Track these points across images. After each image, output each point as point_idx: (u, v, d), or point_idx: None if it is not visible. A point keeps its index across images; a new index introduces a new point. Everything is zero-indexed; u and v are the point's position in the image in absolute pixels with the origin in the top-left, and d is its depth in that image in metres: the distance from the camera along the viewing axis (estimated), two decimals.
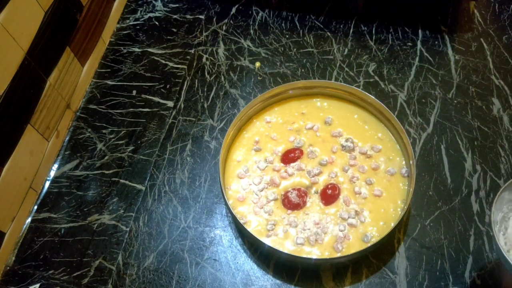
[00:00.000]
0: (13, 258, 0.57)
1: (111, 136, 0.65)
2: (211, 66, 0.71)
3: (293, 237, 0.53)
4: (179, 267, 0.55)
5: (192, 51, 0.73)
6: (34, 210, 0.60)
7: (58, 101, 0.64)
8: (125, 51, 0.73)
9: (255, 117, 0.62)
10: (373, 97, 0.59)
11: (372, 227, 0.53)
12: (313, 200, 0.55)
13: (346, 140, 0.59)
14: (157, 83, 0.70)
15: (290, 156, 0.58)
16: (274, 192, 0.56)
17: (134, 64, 0.72)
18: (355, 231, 0.53)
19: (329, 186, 0.56)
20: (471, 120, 0.64)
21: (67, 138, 0.65)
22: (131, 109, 0.67)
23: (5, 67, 0.52)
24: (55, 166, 0.63)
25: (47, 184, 0.62)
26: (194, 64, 0.71)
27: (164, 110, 0.67)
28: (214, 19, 0.76)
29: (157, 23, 0.76)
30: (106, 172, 0.62)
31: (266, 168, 0.58)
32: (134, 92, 0.69)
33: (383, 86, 0.68)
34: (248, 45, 0.73)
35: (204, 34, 0.74)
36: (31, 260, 0.56)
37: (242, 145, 0.60)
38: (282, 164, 0.58)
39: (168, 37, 0.74)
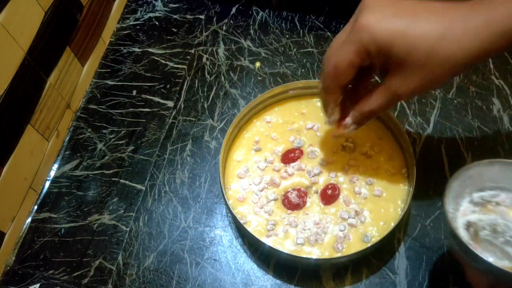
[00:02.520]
0: (13, 258, 0.57)
1: (111, 136, 0.65)
2: (211, 66, 0.71)
3: (293, 237, 0.53)
4: (179, 267, 0.55)
5: (192, 51, 0.73)
6: (34, 210, 0.60)
7: (58, 101, 0.64)
8: (125, 51, 0.73)
9: (255, 117, 0.62)
10: None
11: (372, 227, 0.53)
12: (313, 200, 0.55)
13: (346, 140, 0.59)
14: (157, 83, 0.70)
15: (290, 156, 0.58)
16: (274, 192, 0.56)
17: (134, 64, 0.72)
18: (355, 231, 0.53)
19: (329, 186, 0.56)
20: (471, 120, 0.64)
21: (67, 138, 0.65)
22: (131, 109, 0.67)
23: (5, 67, 0.52)
24: (55, 166, 0.63)
25: (47, 184, 0.62)
26: (194, 64, 0.71)
27: (164, 110, 0.67)
28: (214, 19, 0.76)
29: (157, 23, 0.76)
30: (106, 172, 0.62)
31: (266, 168, 0.58)
32: (134, 92, 0.69)
33: None
34: (248, 45, 0.73)
35: (204, 34, 0.74)
36: (31, 260, 0.56)
37: (242, 145, 0.60)
38: (282, 164, 0.58)
39: (168, 37, 0.74)
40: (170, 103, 0.68)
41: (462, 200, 0.46)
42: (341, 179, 0.57)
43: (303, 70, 0.70)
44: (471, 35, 0.39)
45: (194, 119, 0.66)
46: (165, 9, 0.77)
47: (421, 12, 0.40)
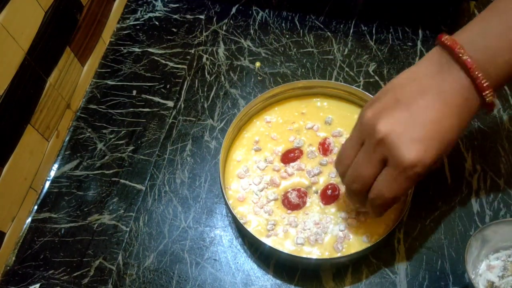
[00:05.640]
0: (13, 258, 0.57)
1: (111, 136, 0.65)
2: (211, 66, 0.71)
3: (293, 237, 0.53)
4: (179, 267, 0.55)
5: (192, 51, 0.73)
6: (34, 210, 0.60)
7: (58, 101, 0.64)
8: (125, 51, 0.73)
9: (255, 117, 0.62)
10: None
11: (372, 227, 0.53)
12: (313, 200, 0.55)
13: None
14: (157, 83, 0.70)
15: (290, 156, 0.58)
16: (274, 192, 0.56)
17: (134, 64, 0.72)
18: (355, 231, 0.53)
19: (329, 186, 0.56)
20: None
21: (67, 138, 0.65)
22: (131, 109, 0.67)
23: (5, 67, 0.52)
24: (55, 166, 0.63)
25: (47, 184, 0.62)
26: (194, 64, 0.71)
27: (164, 110, 0.67)
28: (214, 19, 0.76)
29: (157, 23, 0.76)
30: (106, 172, 0.62)
31: (266, 168, 0.58)
32: (134, 92, 0.69)
33: (383, 86, 0.68)
34: (248, 45, 0.73)
35: (204, 34, 0.74)
36: (31, 260, 0.56)
37: (242, 145, 0.60)
38: (282, 164, 0.58)
39: (168, 37, 0.74)
40: (170, 103, 0.68)
41: (480, 263, 0.51)
42: None
43: (303, 70, 0.70)
44: None
45: (194, 119, 0.66)
46: (165, 9, 0.77)
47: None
